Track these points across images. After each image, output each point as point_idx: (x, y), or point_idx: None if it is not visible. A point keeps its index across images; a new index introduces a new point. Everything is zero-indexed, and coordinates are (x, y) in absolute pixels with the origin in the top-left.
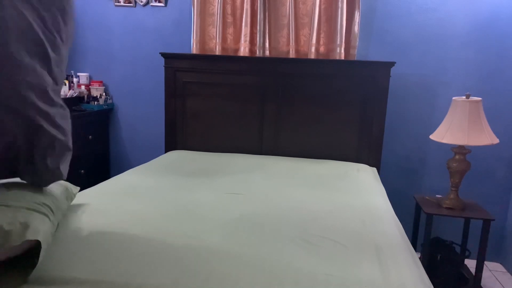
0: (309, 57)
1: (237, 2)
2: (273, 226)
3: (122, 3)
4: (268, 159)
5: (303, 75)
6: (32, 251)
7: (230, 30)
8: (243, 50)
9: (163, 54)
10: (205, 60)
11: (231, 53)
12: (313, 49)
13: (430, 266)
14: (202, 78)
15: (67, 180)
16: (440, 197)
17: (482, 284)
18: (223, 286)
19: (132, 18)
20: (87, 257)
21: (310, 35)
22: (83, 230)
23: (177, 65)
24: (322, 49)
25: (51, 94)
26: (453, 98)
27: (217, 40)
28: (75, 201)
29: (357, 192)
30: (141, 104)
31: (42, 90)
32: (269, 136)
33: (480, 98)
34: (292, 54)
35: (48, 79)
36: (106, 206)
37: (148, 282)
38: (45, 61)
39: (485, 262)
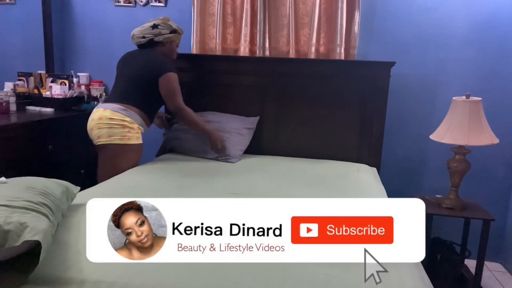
0: (309, 57)
1: (237, 2)
2: None
3: (122, 3)
4: (268, 159)
5: (303, 75)
6: (32, 251)
7: (230, 30)
8: (243, 50)
9: None
10: (205, 60)
11: (231, 53)
12: (313, 49)
13: (430, 266)
14: (202, 78)
15: (67, 180)
16: (440, 197)
17: (482, 284)
18: (223, 286)
19: (132, 18)
20: (87, 258)
21: (310, 35)
22: (83, 230)
23: (177, 65)
24: (322, 49)
25: None
26: (453, 98)
27: (217, 40)
28: (75, 201)
29: (357, 192)
30: None
31: None
32: (269, 136)
33: (480, 98)
34: (292, 54)
35: None
36: None
37: (148, 282)
38: None
39: (485, 262)
